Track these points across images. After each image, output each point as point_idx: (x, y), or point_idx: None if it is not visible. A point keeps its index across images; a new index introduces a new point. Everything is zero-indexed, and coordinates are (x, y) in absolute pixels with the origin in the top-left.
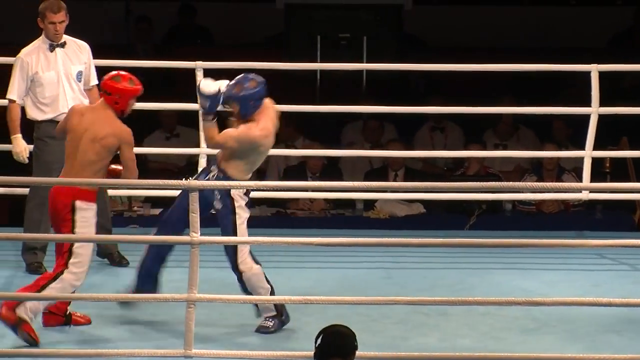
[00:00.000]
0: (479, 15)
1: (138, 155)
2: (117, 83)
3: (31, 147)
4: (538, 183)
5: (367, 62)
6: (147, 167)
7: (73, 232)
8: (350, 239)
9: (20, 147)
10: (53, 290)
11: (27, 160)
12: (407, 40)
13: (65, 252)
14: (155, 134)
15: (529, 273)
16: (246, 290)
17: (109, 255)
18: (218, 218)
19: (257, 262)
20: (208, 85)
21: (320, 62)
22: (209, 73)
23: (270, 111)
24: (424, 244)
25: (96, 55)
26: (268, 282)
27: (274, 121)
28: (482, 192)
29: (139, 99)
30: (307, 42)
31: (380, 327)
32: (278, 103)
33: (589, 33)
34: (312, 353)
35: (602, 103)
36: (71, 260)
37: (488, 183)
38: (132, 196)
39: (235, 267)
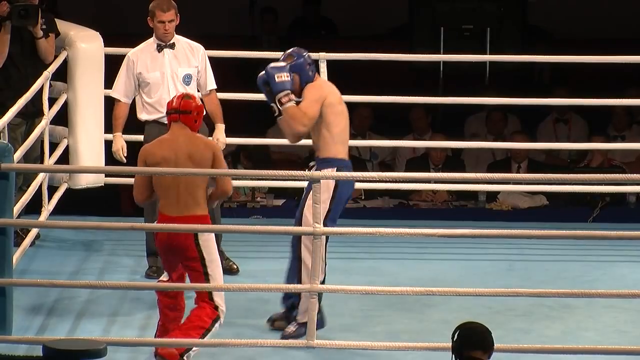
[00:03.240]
0: (604, 6)
1: (261, 146)
2: (192, 101)
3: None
4: None
5: (490, 54)
6: (270, 158)
7: (200, 251)
8: (472, 231)
9: (117, 146)
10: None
11: (124, 159)
12: (532, 31)
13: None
14: (278, 125)
15: None
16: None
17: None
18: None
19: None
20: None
21: (444, 54)
22: (332, 64)
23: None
24: (547, 236)
25: (219, 46)
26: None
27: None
28: (605, 184)
29: (257, 91)
30: (430, 34)
31: (502, 319)
32: (401, 94)
33: None
34: (434, 345)
35: None
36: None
37: (612, 175)
38: (256, 187)
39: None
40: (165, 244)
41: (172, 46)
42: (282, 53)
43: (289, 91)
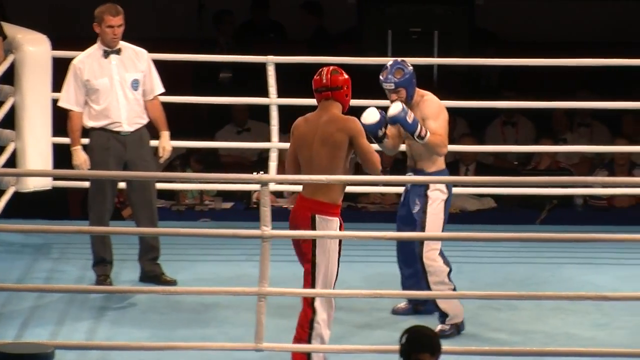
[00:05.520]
0: (550, 10)
1: (210, 150)
2: (341, 74)
3: None
4: (609, 178)
5: (438, 57)
6: (219, 161)
7: (314, 252)
8: (420, 233)
9: (80, 160)
10: (318, 338)
11: None
12: (479, 34)
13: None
14: (227, 128)
15: (601, 268)
16: (427, 286)
17: (154, 278)
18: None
19: (446, 263)
20: (369, 116)
21: (392, 57)
22: (281, 67)
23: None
24: (495, 239)
25: (171, 50)
26: (451, 281)
27: None
28: (553, 186)
29: (212, 94)
30: (378, 37)
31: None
32: (352, 97)
33: None
34: (383, 347)
35: None
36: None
37: (559, 177)
38: (204, 190)
39: (420, 259)
40: (290, 227)
41: (119, 52)
42: (228, 56)
43: (420, 124)
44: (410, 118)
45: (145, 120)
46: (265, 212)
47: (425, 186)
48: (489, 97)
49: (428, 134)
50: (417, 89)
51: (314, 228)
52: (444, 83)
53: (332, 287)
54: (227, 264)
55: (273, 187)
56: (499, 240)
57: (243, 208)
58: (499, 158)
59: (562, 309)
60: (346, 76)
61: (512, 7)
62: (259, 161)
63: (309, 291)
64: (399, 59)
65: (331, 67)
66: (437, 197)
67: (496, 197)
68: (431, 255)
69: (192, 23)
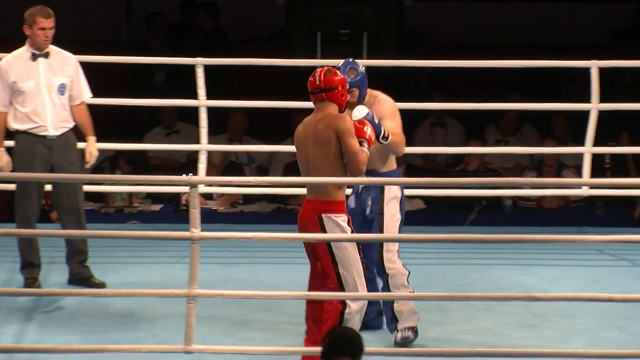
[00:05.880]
0: (479, 12)
1: (139, 151)
2: (335, 75)
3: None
4: (538, 179)
5: (367, 58)
6: (148, 163)
7: (330, 251)
8: (349, 235)
9: (2, 162)
10: None
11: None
12: (408, 36)
13: (334, 286)
14: (156, 130)
15: (530, 269)
16: (388, 290)
17: (83, 281)
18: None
19: (404, 266)
20: (359, 113)
21: (320, 59)
22: (209, 69)
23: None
24: (424, 240)
25: (98, 51)
26: (409, 284)
27: None
28: (482, 188)
29: (141, 95)
30: (307, 39)
31: (379, 322)
32: (278, 99)
33: (590, 29)
34: (313, 348)
35: (602, 99)
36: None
37: (488, 179)
38: (133, 192)
39: (380, 261)
40: (300, 230)
41: (47, 55)
42: (157, 57)
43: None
44: (376, 119)
45: (71, 124)
46: (195, 214)
47: (380, 187)
48: (417, 98)
49: (390, 134)
50: (369, 90)
51: (322, 228)
52: (373, 84)
53: (362, 277)
54: (157, 266)
55: (202, 189)
56: (428, 242)
57: (172, 210)
58: (428, 159)
59: (491, 310)
60: (341, 75)
61: (441, 8)
62: (188, 163)
63: (237, 293)
64: (350, 59)
65: (325, 68)
66: (392, 196)
67: (425, 199)
68: (391, 257)
69: (120, 25)
